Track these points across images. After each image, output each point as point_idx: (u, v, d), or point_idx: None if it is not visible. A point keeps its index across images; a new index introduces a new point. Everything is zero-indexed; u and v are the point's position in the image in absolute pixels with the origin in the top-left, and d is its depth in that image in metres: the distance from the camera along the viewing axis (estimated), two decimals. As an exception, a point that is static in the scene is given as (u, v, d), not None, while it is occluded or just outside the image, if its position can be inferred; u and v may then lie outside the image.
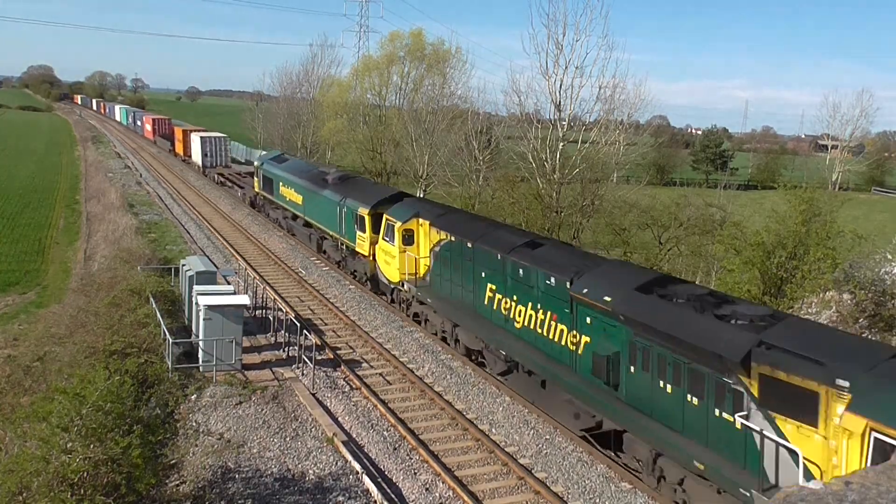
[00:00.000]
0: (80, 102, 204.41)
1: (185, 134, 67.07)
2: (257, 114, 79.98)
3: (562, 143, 29.94)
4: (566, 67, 29.11)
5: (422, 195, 45.18)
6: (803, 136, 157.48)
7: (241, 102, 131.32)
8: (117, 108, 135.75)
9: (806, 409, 10.45)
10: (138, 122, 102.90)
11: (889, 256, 18.57)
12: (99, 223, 41.33)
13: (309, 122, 66.67)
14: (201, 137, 58.88)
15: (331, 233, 29.69)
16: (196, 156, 60.69)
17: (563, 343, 15.56)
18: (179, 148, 68.54)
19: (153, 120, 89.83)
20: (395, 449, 15.62)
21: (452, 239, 19.96)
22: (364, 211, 25.66)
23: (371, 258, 25.42)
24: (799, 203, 21.24)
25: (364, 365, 20.41)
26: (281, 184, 36.20)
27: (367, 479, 14.10)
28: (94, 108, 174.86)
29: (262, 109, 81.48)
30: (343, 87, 65.16)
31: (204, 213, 43.48)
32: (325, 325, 23.88)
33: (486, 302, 18.55)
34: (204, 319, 18.57)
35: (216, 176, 55.68)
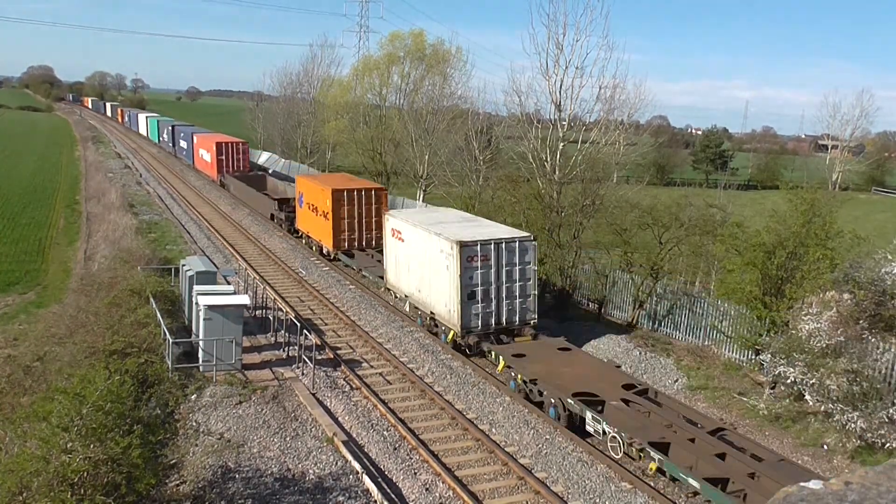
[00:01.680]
0: (90, 106, 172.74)
1: (360, 200, 30.98)
2: (257, 114, 79.93)
3: (562, 144, 29.91)
4: (566, 67, 29.07)
5: (421, 195, 45.22)
6: (803, 137, 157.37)
7: (241, 102, 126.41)
8: (143, 117, 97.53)
9: None
10: (182, 143, 67.69)
11: (889, 256, 18.54)
12: (99, 223, 41.31)
13: (309, 122, 66.62)
14: (484, 244, 20.95)
15: None
16: (447, 296, 21.43)
17: None
18: (319, 229, 32.50)
19: (218, 145, 52.81)
20: (395, 449, 15.62)
21: None
22: None
23: None
24: (800, 203, 21.23)
25: (364, 365, 20.41)
26: None
27: (367, 479, 14.10)
28: (109, 114, 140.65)
29: (262, 109, 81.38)
30: (344, 86, 65.13)
31: (204, 213, 43.48)
32: (325, 324, 23.88)
33: None
34: (204, 319, 18.57)
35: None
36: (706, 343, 23.57)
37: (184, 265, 23.05)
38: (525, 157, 31.21)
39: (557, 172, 29.45)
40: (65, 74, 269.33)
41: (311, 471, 14.57)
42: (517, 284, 21.42)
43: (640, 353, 22.17)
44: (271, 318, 22.51)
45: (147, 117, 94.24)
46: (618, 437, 15.08)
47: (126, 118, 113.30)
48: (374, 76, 61.52)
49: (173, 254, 31.24)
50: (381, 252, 27.08)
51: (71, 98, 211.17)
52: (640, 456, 14.74)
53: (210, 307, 18.57)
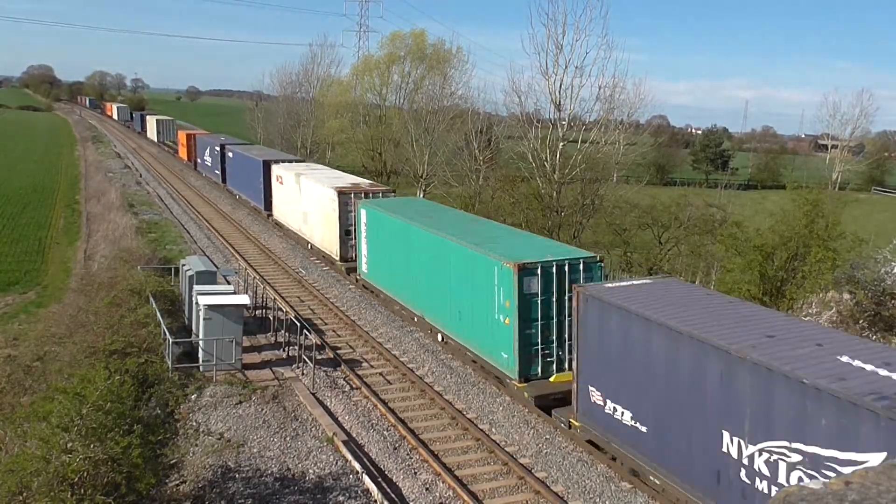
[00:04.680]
0: (115, 115, 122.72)
1: None
2: (257, 114, 79.92)
3: (562, 143, 29.96)
4: (566, 67, 29.15)
5: (421, 195, 45.24)
6: (803, 136, 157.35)
7: (241, 102, 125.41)
8: (308, 183, 30.87)
9: None
10: None
11: (889, 256, 18.55)
12: (99, 223, 41.32)
13: (309, 121, 66.64)
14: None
15: None
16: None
17: None
18: None
19: None
20: (395, 448, 15.62)
21: None
22: None
23: None
24: (803, 204, 21.25)
25: (364, 364, 20.41)
26: None
27: (367, 479, 14.10)
28: (153, 135, 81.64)
29: (261, 109, 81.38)
30: (344, 86, 65.13)
31: (204, 213, 43.46)
32: (325, 324, 23.88)
33: None
34: (204, 319, 18.57)
35: None
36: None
37: (184, 265, 23.04)
38: (525, 157, 31.26)
39: (557, 172, 29.48)
40: (65, 74, 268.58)
41: (311, 470, 14.57)
42: None
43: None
44: (271, 318, 22.50)
45: (246, 152, 41.29)
46: None
47: (204, 158, 51.73)
48: (375, 76, 61.56)
49: (173, 254, 31.23)
50: None
51: (88, 103, 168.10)
52: None
53: (210, 307, 18.57)
